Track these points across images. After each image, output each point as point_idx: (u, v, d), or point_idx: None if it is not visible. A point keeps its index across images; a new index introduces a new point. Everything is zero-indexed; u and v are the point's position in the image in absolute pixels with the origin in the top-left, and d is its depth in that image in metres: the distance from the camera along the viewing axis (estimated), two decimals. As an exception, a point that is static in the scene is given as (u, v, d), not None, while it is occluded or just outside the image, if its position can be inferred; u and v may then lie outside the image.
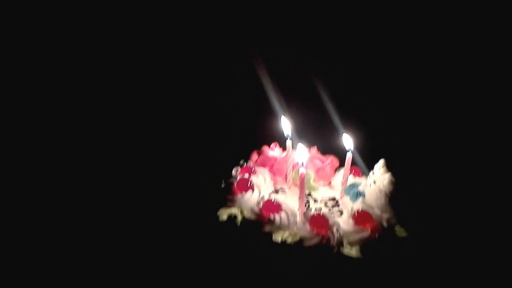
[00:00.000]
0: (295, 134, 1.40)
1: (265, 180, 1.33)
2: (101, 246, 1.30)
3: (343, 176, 1.32)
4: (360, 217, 1.13)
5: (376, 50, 1.68)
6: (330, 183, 1.41)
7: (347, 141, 1.32)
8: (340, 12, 1.70)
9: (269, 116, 1.55)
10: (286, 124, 1.36)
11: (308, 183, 1.37)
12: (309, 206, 1.27)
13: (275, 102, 1.63)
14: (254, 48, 1.68)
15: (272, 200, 1.15)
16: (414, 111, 1.70)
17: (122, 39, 1.79)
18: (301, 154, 1.20)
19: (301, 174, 1.15)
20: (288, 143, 1.35)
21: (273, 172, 1.38)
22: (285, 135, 1.35)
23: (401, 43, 1.68)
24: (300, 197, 1.17)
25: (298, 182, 1.35)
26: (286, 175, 1.37)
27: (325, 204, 1.28)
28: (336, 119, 1.59)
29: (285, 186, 1.36)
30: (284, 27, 1.69)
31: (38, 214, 1.44)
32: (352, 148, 1.31)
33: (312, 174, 1.38)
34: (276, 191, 1.33)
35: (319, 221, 1.09)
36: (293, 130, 1.39)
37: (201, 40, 1.75)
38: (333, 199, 1.32)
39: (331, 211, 1.24)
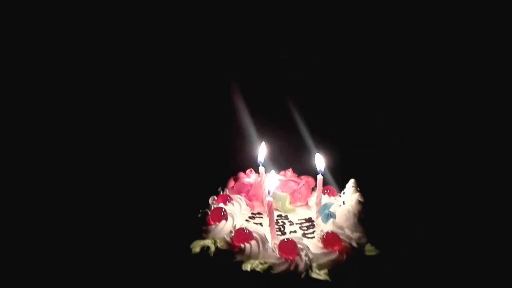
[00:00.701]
0: (269, 160, 1.44)
1: (240, 207, 1.36)
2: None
3: (317, 197, 1.35)
4: (328, 239, 1.15)
5: (347, 68, 1.71)
6: (307, 203, 1.44)
7: (319, 162, 1.35)
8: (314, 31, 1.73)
9: (245, 142, 1.60)
10: (261, 151, 1.40)
11: (283, 206, 1.40)
12: (284, 229, 1.29)
13: (251, 128, 1.67)
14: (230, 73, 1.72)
15: (244, 229, 1.18)
16: (388, 127, 1.71)
17: (116, 42, 1.79)
18: (270, 182, 1.23)
19: (268, 202, 1.18)
20: (261, 169, 1.39)
21: (249, 198, 1.41)
22: (258, 161, 1.39)
23: (369, 61, 1.70)
24: (270, 224, 1.20)
25: (276, 206, 1.40)
26: (262, 200, 1.41)
27: (300, 227, 1.31)
28: (309, 141, 1.62)
29: (262, 211, 1.39)
30: (257, 50, 1.72)
31: (38, 214, 1.49)
32: (323, 170, 1.34)
33: (288, 197, 1.41)
34: (253, 217, 1.36)
35: (287, 247, 1.12)
36: (268, 155, 1.43)
37: (178, 61, 1.78)
38: (309, 220, 1.35)
39: (305, 233, 1.27)
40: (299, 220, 1.36)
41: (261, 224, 1.31)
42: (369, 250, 1.17)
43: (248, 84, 1.69)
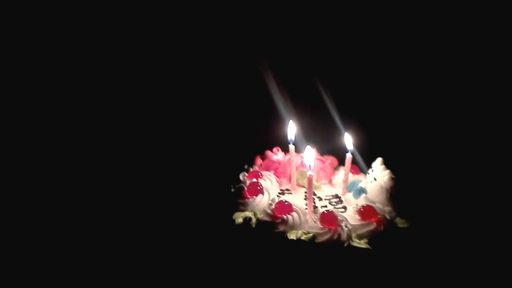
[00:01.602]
0: (297, 138, 1.49)
1: (272, 183, 1.41)
2: (107, 247, 1.37)
3: (344, 174, 1.42)
4: (366, 212, 1.22)
5: (373, 54, 1.78)
6: (331, 181, 1.51)
7: (348, 141, 1.41)
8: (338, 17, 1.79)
9: (265, 121, 1.65)
10: (290, 129, 1.45)
11: (311, 183, 1.46)
12: (315, 204, 1.35)
13: (280, 105, 1.72)
14: (257, 52, 1.75)
15: (284, 201, 1.23)
16: (405, 111, 1.80)
17: (121, 43, 1.82)
18: (309, 157, 1.29)
19: (308, 176, 1.24)
20: (291, 147, 1.44)
21: (278, 175, 1.46)
22: (289, 139, 1.44)
23: (396, 46, 1.77)
24: (309, 197, 1.26)
25: (302, 183, 1.46)
26: (290, 177, 1.46)
27: (330, 202, 1.38)
28: (336, 121, 1.69)
29: (289, 187, 1.45)
30: (286, 33, 1.76)
31: (39, 214, 1.48)
32: (352, 149, 1.41)
33: (314, 175, 1.47)
34: (282, 193, 1.41)
35: (328, 218, 1.18)
36: (295, 134, 1.48)
37: (205, 43, 1.80)
38: (336, 196, 1.41)
39: (335, 207, 1.33)
40: (326, 196, 1.42)
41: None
42: (401, 222, 1.26)
43: (278, 63, 1.73)
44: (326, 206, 1.35)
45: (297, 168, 1.46)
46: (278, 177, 1.46)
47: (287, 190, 1.43)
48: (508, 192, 1.58)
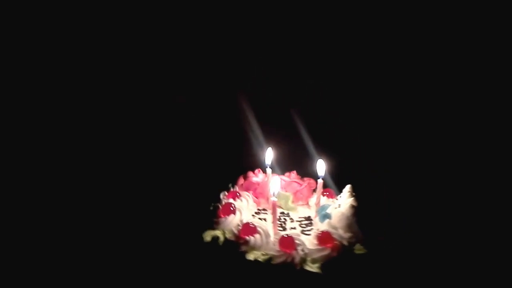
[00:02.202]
0: (276, 162, 1.61)
1: (248, 203, 1.53)
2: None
3: (316, 198, 1.52)
4: (323, 237, 1.32)
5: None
6: (307, 203, 1.61)
7: (320, 167, 1.51)
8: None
9: (254, 146, 1.78)
10: (268, 154, 1.57)
11: (286, 204, 1.57)
12: (285, 225, 1.46)
13: (258, 134, 1.84)
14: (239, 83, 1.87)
15: (250, 223, 1.35)
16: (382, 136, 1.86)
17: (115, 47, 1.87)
18: (275, 185, 1.40)
19: (272, 202, 1.35)
20: (268, 170, 1.56)
21: (256, 195, 1.58)
22: (266, 164, 1.56)
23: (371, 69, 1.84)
24: (273, 221, 1.37)
25: (279, 204, 1.57)
26: (267, 198, 1.58)
27: (300, 224, 1.48)
28: (312, 148, 1.78)
29: (266, 208, 1.56)
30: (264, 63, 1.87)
31: (35, 214, 1.56)
32: (323, 174, 1.51)
33: (290, 196, 1.58)
34: (259, 212, 1.53)
35: (286, 242, 1.29)
36: (275, 159, 1.60)
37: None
38: (308, 218, 1.51)
39: (304, 230, 1.43)
40: (299, 218, 1.52)
41: (265, 219, 1.48)
42: (358, 249, 1.34)
43: (257, 94, 1.85)
44: (295, 228, 1.45)
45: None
46: (256, 197, 1.58)
47: (264, 210, 1.55)
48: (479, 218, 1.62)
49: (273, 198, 1.36)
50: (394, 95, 1.83)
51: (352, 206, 1.38)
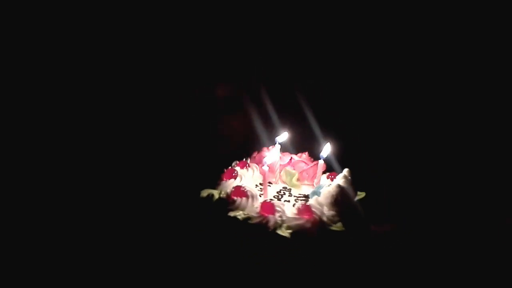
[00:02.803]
0: (292, 144, 1.72)
1: (253, 173, 1.66)
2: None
3: (317, 178, 1.59)
4: (302, 209, 1.39)
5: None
6: (313, 184, 1.68)
7: (325, 150, 1.58)
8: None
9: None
10: (282, 135, 1.68)
11: (291, 181, 1.66)
12: (281, 198, 1.56)
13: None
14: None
15: (241, 187, 1.48)
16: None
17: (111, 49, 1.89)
18: (271, 155, 1.51)
19: (263, 171, 1.47)
20: (277, 146, 1.67)
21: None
22: (276, 141, 1.67)
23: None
24: (264, 189, 1.49)
25: (284, 179, 1.67)
26: (274, 172, 1.69)
27: (296, 199, 1.56)
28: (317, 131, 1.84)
29: (273, 180, 1.67)
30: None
31: (32, 215, 1.61)
32: (324, 156, 1.57)
33: (296, 174, 1.67)
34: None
35: (267, 206, 1.39)
36: (291, 140, 1.70)
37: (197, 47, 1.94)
38: (306, 196, 1.59)
39: (296, 203, 1.52)
40: (298, 194, 1.60)
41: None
42: (336, 226, 1.39)
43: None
44: (289, 201, 1.54)
45: (282, 167, 1.68)
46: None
47: (269, 183, 1.66)
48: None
49: (264, 167, 1.47)
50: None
51: (338, 186, 1.43)
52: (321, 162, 1.58)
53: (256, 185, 1.63)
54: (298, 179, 1.66)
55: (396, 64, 1.84)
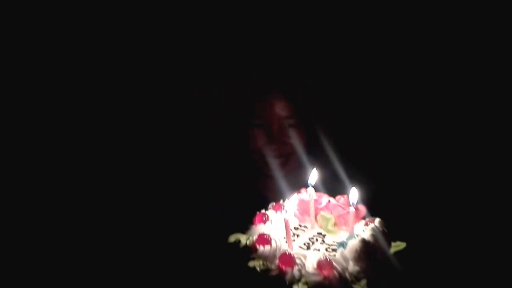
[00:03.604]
0: (324, 184, 1.63)
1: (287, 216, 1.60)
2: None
3: (349, 225, 1.48)
4: (323, 264, 1.31)
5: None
6: (351, 230, 1.56)
7: (353, 195, 1.47)
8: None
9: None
10: (312, 175, 1.61)
11: (326, 226, 1.57)
12: (311, 245, 1.48)
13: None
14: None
15: (265, 235, 1.44)
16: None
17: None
18: (291, 203, 1.45)
19: (285, 220, 1.41)
20: (310, 189, 1.60)
21: (300, 211, 1.64)
22: (309, 183, 1.60)
23: None
24: (287, 237, 1.43)
25: (320, 224, 1.59)
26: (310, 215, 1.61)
27: (327, 248, 1.47)
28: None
29: (308, 225, 1.60)
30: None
31: (34, 214, 1.64)
32: (355, 202, 1.46)
33: (332, 219, 1.57)
34: (297, 228, 1.59)
35: (286, 259, 1.34)
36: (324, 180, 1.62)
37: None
38: (338, 244, 1.49)
39: (326, 253, 1.43)
40: (332, 242, 1.51)
41: (298, 235, 1.53)
42: (359, 285, 1.27)
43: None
44: (319, 250, 1.46)
45: (321, 209, 1.61)
46: (300, 213, 1.64)
47: (305, 226, 1.60)
48: None
49: (285, 216, 1.42)
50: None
51: (363, 240, 1.31)
52: (352, 209, 1.46)
53: (291, 229, 1.57)
54: (335, 224, 1.57)
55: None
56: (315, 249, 1.46)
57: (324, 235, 1.54)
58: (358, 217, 1.57)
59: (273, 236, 1.44)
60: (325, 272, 1.29)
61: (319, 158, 1.77)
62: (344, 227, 1.57)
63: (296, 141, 1.89)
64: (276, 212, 1.61)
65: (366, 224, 1.50)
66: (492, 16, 1.62)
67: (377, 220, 1.39)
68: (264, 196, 1.78)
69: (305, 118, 1.90)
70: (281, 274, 1.31)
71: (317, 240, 1.51)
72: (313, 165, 1.61)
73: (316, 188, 1.60)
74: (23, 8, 1.80)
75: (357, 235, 1.37)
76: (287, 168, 1.91)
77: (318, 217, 1.59)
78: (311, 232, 1.56)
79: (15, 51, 1.83)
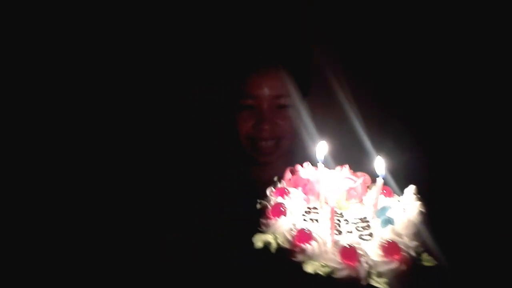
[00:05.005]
0: (328, 157, 1.45)
1: (297, 202, 1.39)
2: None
3: (375, 199, 1.37)
4: (389, 248, 1.17)
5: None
6: (361, 201, 1.46)
7: (379, 165, 1.35)
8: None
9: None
10: (320, 148, 1.41)
11: (339, 202, 1.42)
12: (340, 228, 1.32)
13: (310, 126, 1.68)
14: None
15: (305, 229, 1.21)
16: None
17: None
18: (330, 187, 1.25)
19: (331, 209, 1.20)
20: (320, 165, 1.40)
21: (306, 192, 1.44)
22: (318, 159, 1.40)
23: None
24: (331, 228, 1.23)
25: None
26: (318, 195, 1.43)
27: (356, 227, 1.33)
28: (368, 143, 1.62)
29: (318, 205, 1.42)
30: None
31: (35, 214, 1.62)
32: (383, 174, 1.34)
33: (344, 194, 1.43)
34: (309, 211, 1.39)
35: (349, 253, 1.15)
36: (327, 153, 1.44)
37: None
38: (365, 220, 1.36)
39: (361, 234, 1.29)
40: (354, 219, 1.37)
41: (316, 220, 1.34)
42: (426, 260, 1.19)
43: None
44: (351, 232, 1.31)
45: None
46: (305, 194, 1.43)
47: (314, 208, 1.40)
48: None
49: (331, 204, 1.21)
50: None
51: (421, 212, 1.23)
52: (379, 180, 1.35)
53: (303, 214, 1.36)
54: (346, 199, 1.43)
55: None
56: (347, 232, 1.30)
57: (340, 214, 1.40)
58: (364, 187, 1.47)
59: (310, 228, 1.22)
60: (397, 257, 1.16)
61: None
62: (353, 200, 1.45)
63: (289, 123, 1.67)
64: (283, 197, 1.37)
65: (385, 194, 1.41)
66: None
67: (413, 187, 1.32)
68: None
69: (300, 97, 1.65)
70: (352, 272, 1.12)
71: (339, 220, 1.36)
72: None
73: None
74: (23, 8, 1.79)
75: (403, 209, 1.27)
76: (279, 151, 1.67)
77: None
78: (326, 213, 1.39)
79: (16, 51, 1.81)
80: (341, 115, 1.69)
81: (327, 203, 1.41)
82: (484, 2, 1.62)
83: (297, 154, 1.64)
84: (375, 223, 1.33)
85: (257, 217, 1.30)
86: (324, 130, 1.57)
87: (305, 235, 1.20)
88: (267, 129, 1.63)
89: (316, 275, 1.13)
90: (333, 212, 1.21)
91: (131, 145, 1.87)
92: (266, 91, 1.64)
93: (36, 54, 1.82)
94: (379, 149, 1.43)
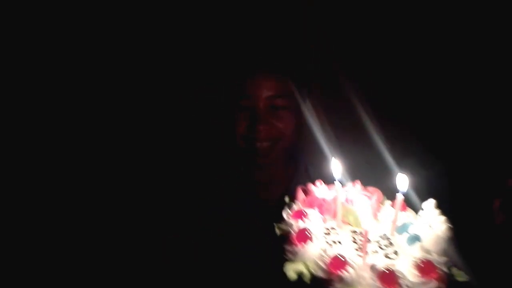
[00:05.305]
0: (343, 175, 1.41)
1: (317, 224, 1.33)
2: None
3: (394, 215, 1.34)
4: (426, 268, 1.15)
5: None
6: (376, 217, 1.43)
7: (401, 182, 1.32)
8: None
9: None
10: (335, 166, 1.36)
11: (356, 220, 1.39)
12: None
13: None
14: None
15: (339, 256, 1.16)
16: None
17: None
18: (362, 206, 1.21)
19: (365, 231, 1.16)
20: (337, 184, 1.35)
21: (322, 212, 1.39)
22: (335, 178, 1.35)
23: None
24: (363, 251, 1.19)
25: (347, 220, 1.38)
26: (335, 214, 1.38)
27: (379, 245, 1.30)
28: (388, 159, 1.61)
29: (334, 225, 1.37)
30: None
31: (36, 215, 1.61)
32: (404, 190, 1.32)
33: (360, 212, 1.39)
34: (328, 232, 1.33)
35: (389, 278, 1.12)
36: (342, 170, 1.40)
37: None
38: (385, 237, 1.34)
39: (386, 253, 1.26)
40: (374, 236, 1.34)
41: (339, 242, 1.29)
42: (458, 275, 1.19)
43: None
44: (376, 252, 1.27)
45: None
46: (322, 214, 1.38)
47: (332, 228, 1.36)
48: None
49: (365, 227, 1.17)
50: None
51: (449, 228, 1.23)
52: (400, 197, 1.33)
53: (324, 235, 1.31)
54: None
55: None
56: (373, 252, 1.27)
57: (359, 232, 1.36)
58: (379, 201, 1.45)
59: (342, 253, 1.17)
60: (434, 275, 1.14)
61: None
62: (370, 217, 1.42)
63: (286, 124, 1.60)
64: (302, 220, 1.31)
65: (402, 209, 1.40)
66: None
67: (433, 201, 1.31)
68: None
69: (301, 100, 1.59)
70: (395, 297, 1.09)
71: (361, 240, 1.32)
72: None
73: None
74: (23, 8, 1.77)
75: (429, 226, 1.26)
76: (275, 153, 1.60)
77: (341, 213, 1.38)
78: (346, 233, 1.35)
79: (16, 51, 1.79)
80: (348, 122, 1.67)
81: (344, 221, 1.38)
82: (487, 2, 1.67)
83: (299, 159, 1.63)
84: (397, 240, 1.31)
85: (262, 222, 1.25)
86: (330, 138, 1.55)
87: (339, 261, 1.14)
88: (262, 130, 1.56)
89: (359, 302, 1.08)
90: (366, 235, 1.16)
91: (131, 145, 1.86)
92: (261, 91, 1.58)
93: (36, 54, 1.82)
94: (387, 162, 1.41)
